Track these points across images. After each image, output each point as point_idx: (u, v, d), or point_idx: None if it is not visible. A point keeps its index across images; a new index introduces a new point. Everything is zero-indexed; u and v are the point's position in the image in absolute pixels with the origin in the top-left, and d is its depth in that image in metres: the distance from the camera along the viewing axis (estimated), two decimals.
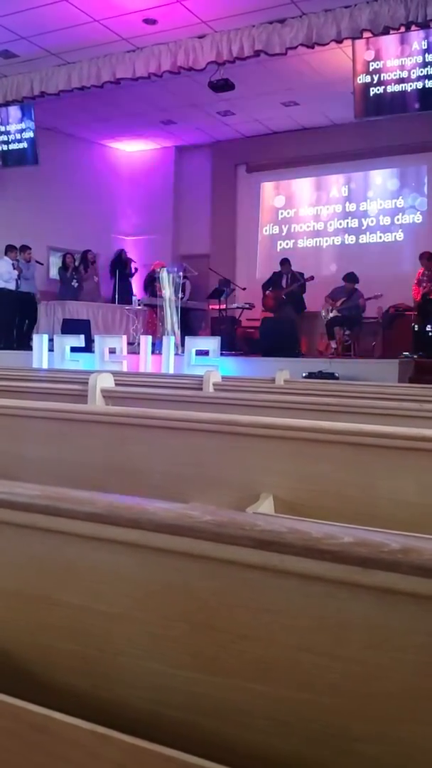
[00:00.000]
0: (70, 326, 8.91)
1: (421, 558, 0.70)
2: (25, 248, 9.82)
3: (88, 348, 7.71)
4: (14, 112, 9.89)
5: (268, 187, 12.16)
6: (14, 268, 9.51)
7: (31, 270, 9.87)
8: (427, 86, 7.22)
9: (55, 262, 11.47)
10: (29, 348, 7.99)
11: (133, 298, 10.41)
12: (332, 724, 0.76)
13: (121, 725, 0.76)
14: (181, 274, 9.02)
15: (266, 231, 12.15)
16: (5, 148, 10.05)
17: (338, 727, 0.76)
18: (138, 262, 12.29)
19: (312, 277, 9.69)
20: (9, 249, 9.61)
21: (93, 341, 7.69)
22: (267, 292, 10.16)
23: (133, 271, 12.11)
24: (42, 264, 10.53)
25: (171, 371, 7.26)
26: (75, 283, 10.90)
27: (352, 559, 0.73)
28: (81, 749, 0.75)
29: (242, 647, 0.81)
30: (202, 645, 0.83)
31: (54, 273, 11.32)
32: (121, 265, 11.93)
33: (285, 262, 10.14)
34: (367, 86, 7.53)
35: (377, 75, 7.46)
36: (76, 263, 11.08)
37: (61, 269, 10.99)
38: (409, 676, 0.73)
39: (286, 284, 9.97)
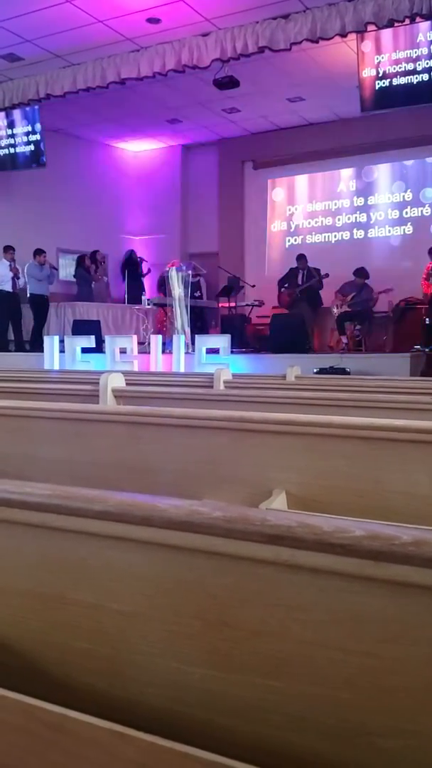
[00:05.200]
0: (81, 327, 8.92)
1: None
2: (40, 251, 9.84)
3: (99, 348, 7.72)
4: (20, 115, 9.93)
5: (275, 184, 12.13)
6: (10, 270, 9.53)
7: (45, 272, 9.89)
8: None
9: (63, 264, 11.49)
10: (41, 349, 8.02)
11: (143, 297, 10.42)
12: (348, 719, 0.76)
13: (137, 723, 0.75)
14: (190, 272, 9.00)
15: (274, 227, 12.11)
16: (12, 151, 10.10)
17: (355, 721, 0.76)
18: (148, 262, 12.31)
19: (327, 275, 9.61)
20: (5, 250, 9.60)
21: (104, 342, 7.70)
22: (282, 289, 10.10)
23: (145, 271, 12.13)
24: (56, 269, 10.55)
25: (182, 370, 7.27)
26: (93, 284, 10.95)
27: (363, 553, 0.72)
28: (98, 748, 0.75)
29: (256, 643, 0.81)
30: (216, 641, 0.83)
31: (63, 275, 11.34)
32: (132, 265, 11.92)
33: (301, 257, 10.01)
34: (372, 80, 7.51)
35: (382, 68, 7.43)
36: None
37: (81, 270, 10.99)
38: (424, 669, 0.72)
39: (302, 281, 9.90)
